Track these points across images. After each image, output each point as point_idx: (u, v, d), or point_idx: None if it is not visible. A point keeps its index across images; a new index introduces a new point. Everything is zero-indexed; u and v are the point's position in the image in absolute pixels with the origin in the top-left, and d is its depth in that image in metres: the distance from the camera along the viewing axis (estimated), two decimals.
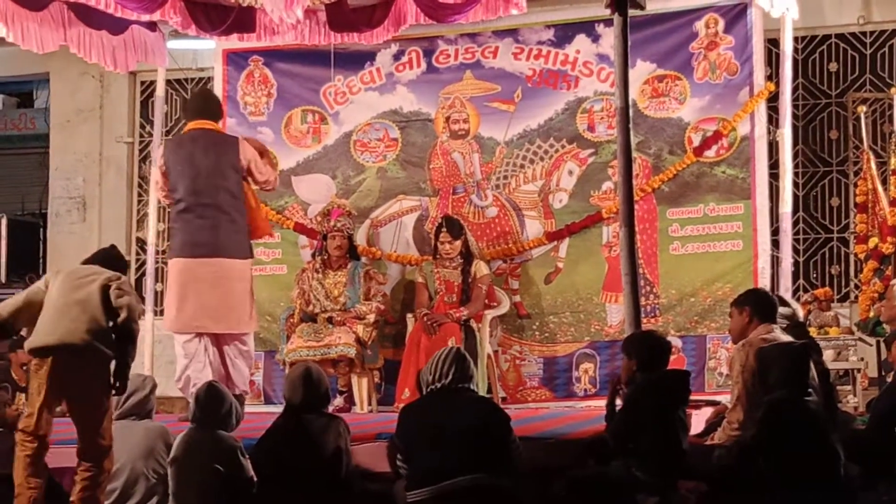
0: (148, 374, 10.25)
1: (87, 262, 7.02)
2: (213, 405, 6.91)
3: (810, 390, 6.44)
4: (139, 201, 13.03)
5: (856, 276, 11.11)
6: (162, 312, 12.27)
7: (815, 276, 11.40)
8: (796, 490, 6.01)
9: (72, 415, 6.65)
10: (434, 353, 9.52)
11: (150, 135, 12.40)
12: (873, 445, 6.76)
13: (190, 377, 9.30)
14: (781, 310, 7.87)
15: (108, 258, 7.03)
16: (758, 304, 7.35)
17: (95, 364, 6.54)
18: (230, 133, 10.36)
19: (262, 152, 9.78)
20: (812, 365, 7.13)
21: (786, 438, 6.14)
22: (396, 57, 11.31)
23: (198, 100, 9.94)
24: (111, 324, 6.56)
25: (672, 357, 10.08)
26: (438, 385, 6.44)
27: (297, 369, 7.01)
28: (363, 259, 10.80)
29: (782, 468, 6.06)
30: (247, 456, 6.78)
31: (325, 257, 10.40)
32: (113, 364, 6.55)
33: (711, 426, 7.55)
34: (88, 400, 6.57)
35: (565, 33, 10.96)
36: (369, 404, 10.24)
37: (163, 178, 9.59)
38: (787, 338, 7.20)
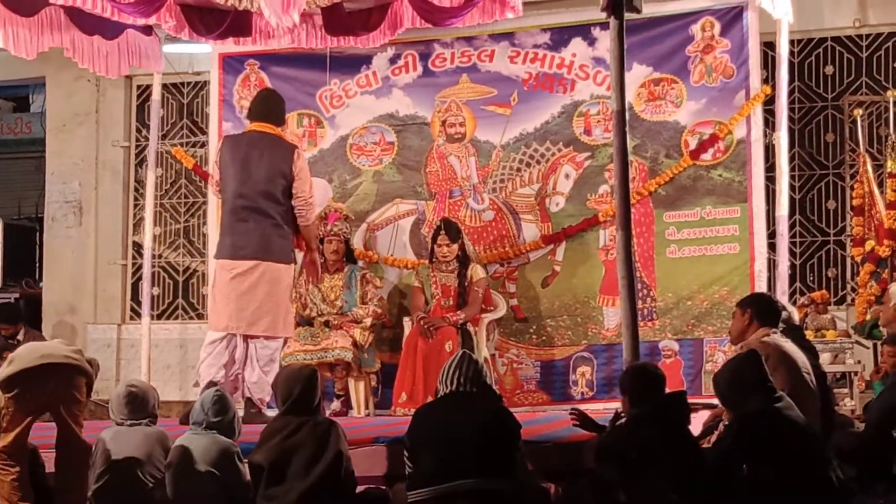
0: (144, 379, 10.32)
1: None
2: (219, 413, 6.89)
3: (779, 395, 6.37)
4: (135, 205, 13.01)
5: (852, 279, 11.10)
6: (158, 316, 12.34)
7: (811, 278, 11.39)
8: (784, 498, 5.98)
9: None
10: (430, 357, 9.62)
11: (147, 139, 12.40)
12: (871, 448, 6.77)
13: (202, 371, 9.33)
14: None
15: None
16: (760, 307, 7.36)
17: None
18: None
19: None
20: (810, 368, 7.15)
21: (763, 450, 6.10)
22: (392, 60, 11.31)
23: (260, 101, 9.87)
24: None
25: (669, 360, 10.21)
26: (447, 390, 6.43)
27: (293, 370, 7.02)
28: (360, 263, 10.80)
29: (765, 477, 6.04)
30: (244, 460, 6.77)
31: (322, 261, 10.39)
32: None
33: (708, 429, 7.54)
34: None
35: (561, 37, 10.96)
36: (366, 408, 10.24)
37: (217, 173, 9.59)
38: (784, 342, 7.20)
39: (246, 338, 9.35)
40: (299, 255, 9.89)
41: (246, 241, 9.33)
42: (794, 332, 7.64)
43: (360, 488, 6.81)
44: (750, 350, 6.71)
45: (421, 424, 6.45)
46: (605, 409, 7.39)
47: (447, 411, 6.39)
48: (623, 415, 6.81)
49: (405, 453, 6.44)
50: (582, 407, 10.14)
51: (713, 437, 7.15)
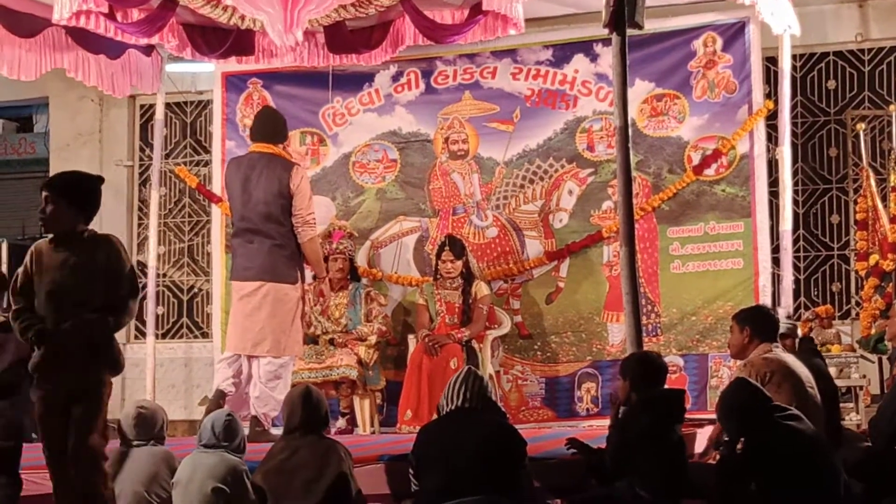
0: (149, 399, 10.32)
1: None
2: (230, 432, 6.88)
3: (786, 410, 6.37)
4: (139, 225, 13.02)
5: (857, 294, 11.10)
6: (163, 336, 12.35)
7: (815, 293, 11.39)
8: None
9: None
10: (435, 374, 9.59)
11: (150, 158, 12.41)
12: (878, 463, 6.75)
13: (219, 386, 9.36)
14: (785, 323, 7.88)
15: None
16: (758, 324, 7.33)
17: None
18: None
19: None
20: (814, 383, 7.14)
21: (773, 461, 6.10)
22: (395, 78, 11.32)
23: (259, 121, 9.84)
24: None
25: (674, 376, 10.14)
26: (452, 406, 6.41)
27: (297, 391, 7.00)
28: (364, 280, 10.80)
29: (775, 488, 6.03)
30: (250, 479, 6.76)
31: (327, 279, 10.41)
32: None
33: (714, 445, 7.54)
34: None
35: (564, 53, 10.97)
36: (371, 426, 10.24)
37: (226, 197, 9.61)
38: (787, 357, 7.19)
39: (250, 357, 9.36)
40: (308, 273, 9.88)
41: (251, 263, 9.34)
42: (809, 345, 7.62)
43: None
44: (737, 379, 6.71)
45: (426, 442, 6.44)
46: (609, 426, 7.39)
47: (452, 428, 6.36)
48: (619, 400, 6.88)
49: (410, 471, 6.43)
50: (587, 423, 10.27)
51: (717, 454, 7.16)
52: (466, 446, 6.20)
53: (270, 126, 9.70)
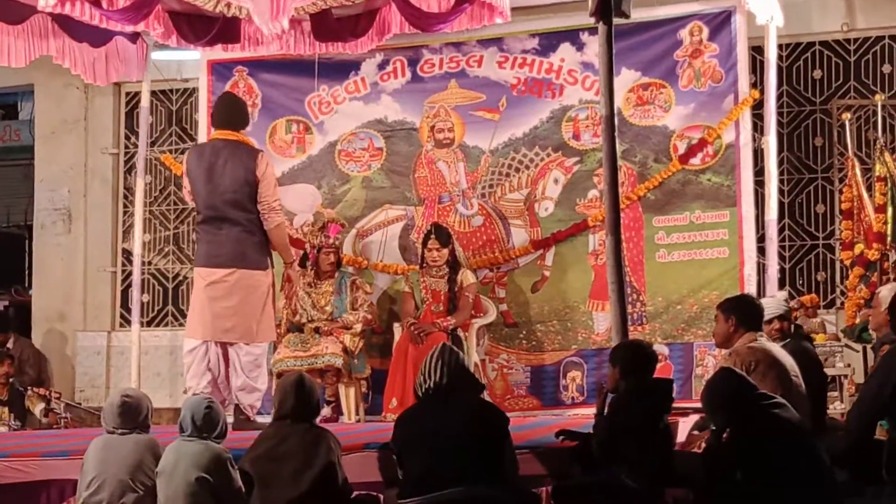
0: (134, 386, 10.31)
1: None
2: (210, 421, 6.87)
3: (771, 399, 6.38)
4: (125, 212, 13.00)
5: (842, 283, 11.12)
6: (148, 323, 12.34)
7: (801, 282, 11.41)
8: (780, 497, 5.99)
9: None
10: (420, 362, 9.56)
11: (136, 146, 12.40)
12: (862, 451, 6.76)
13: (190, 387, 9.32)
14: (782, 305, 7.91)
15: None
16: (743, 313, 7.32)
17: None
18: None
19: None
20: (798, 372, 7.15)
21: (758, 450, 6.10)
22: (381, 66, 11.31)
23: (220, 107, 9.74)
24: None
25: (659, 364, 10.10)
26: (431, 385, 6.39)
27: (290, 378, 6.98)
28: (349, 269, 10.80)
29: (760, 476, 6.04)
30: (236, 466, 6.75)
31: (317, 269, 10.40)
32: None
33: (698, 427, 7.56)
34: None
35: (550, 42, 10.98)
36: (357, 414, 10.25)
37: (189, 184, 9.55)
38: (772, 346, 7.20)
39: (224, 345, 9.34)
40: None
41: (220, 250, 9.29)
42: (801, 335, 7.61)
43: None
44: (722, 368, 6.71)
45: (406, 429, 6.44)
46: (595, 415, 7.40)
47: (431, 414, 6.34)
48: (606, 388, 6.89)
49: (394, 457, 6.44)
50: (572, 411, 10.30)
51: (702, 443, 7.17)
52: (447, 430, 6.19)
53: (233, 112, 9.63)
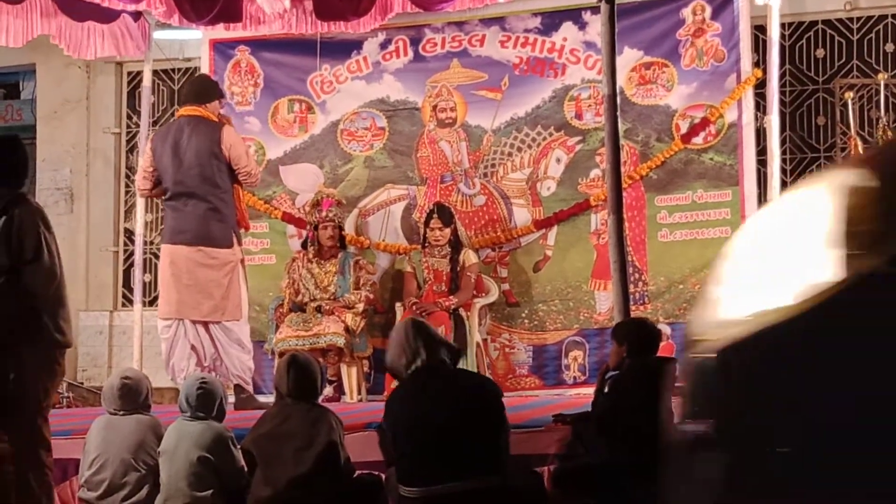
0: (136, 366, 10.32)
1: None
2: (204, 400, 6.88)
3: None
4: (127, 192, 12.99)
5: None
6: (150, 303, 12.33)
7: None
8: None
9: None
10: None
11: (137, 125, 12.36)
12: None
13: (175, 365, 9.34)
14: None
15: None
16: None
17: None
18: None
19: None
20: None
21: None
22: (383, 46, 11.29)
23: (186, 85, 9.90)
24: None
25: (662, 344, 10.12)
26: (419, 363, 6.13)
27: (283, 359, 7.00)
28: (352, 248, 10.80)
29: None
30: (237, 446, 6.77)
31: (317, 247, 10.40)
32: None
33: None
34: None
35: (552, 21, 10.96)
36: (359, 393, 10.25)
37: (151, 166, 9.56)
38: None
39: (206, 324, 9.37)
40: (297, 242, 9.87)
41: (185, 227, 9.34)
42: None
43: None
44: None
45: (395, 411, 6.27)
46: (594, 392, 7.40)
47: (420, 395, 6.12)
48: (608, 365, 6.87)
49: (389, 435, 6.37)
50: (574, 391, 10.30)
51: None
52: (442, 415, 6.00)
53: (197, 88, 9.74)
